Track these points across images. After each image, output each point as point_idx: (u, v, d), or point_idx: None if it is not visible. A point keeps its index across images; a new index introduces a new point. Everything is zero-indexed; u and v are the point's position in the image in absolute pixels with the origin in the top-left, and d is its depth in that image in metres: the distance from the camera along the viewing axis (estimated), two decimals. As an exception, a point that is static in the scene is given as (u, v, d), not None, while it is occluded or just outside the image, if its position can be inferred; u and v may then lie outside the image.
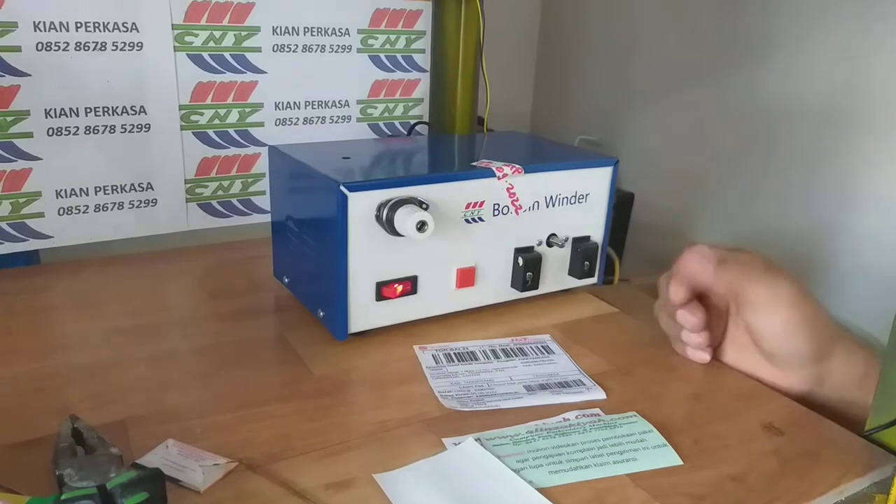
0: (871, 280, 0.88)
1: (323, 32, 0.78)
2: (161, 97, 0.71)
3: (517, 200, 0.58)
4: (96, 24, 0.66)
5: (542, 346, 0.57)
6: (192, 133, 0.74)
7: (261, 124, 0.78)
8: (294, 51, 0.77)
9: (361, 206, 0.51)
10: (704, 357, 0.54)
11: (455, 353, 0.55)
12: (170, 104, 0.72)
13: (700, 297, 0.54)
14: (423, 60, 0.85)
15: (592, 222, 0.63)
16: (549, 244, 0.61)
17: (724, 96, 1.05)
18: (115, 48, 0.67)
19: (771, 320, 0.50)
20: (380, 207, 0.51)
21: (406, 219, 0.50)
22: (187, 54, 0.71)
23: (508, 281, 0.61)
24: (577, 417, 0.47)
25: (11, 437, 0.42)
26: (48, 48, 0.64)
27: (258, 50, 0.75)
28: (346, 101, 0.82)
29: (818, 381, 0.50)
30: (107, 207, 0.71)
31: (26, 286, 0.65)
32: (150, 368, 0.51)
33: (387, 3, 0.81)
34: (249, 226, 0.80)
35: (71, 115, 0.67)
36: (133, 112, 0.70)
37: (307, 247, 0.56)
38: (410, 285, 0.55)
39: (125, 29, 0.67)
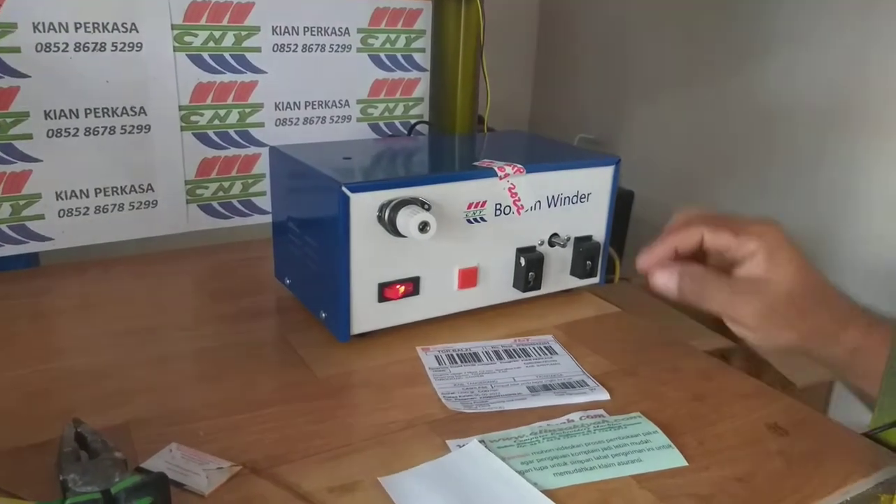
0: (872, 279, 0.88)
1: (323, 32, 0.78)
2: (161, 98, 0.71)
3: (519, 200, 0.58)
4: (95, 25, 0.66)
5: (545, 347, 0.57)
6: (193, 134, 0.74)
7: (261, 125, 0.77)
8: (294, 50, 0.77)
9: (363, 206, 0.51)
10: None
11: (458, 355, 0.55)
12: (170, 105, 0.72)
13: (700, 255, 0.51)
14: (424, 60, 0.85)
15: (594, 222, 0.63)
16: (551, 244, 0.61)
17: (724, 94, 1.05)
18: (114, 49, 0.67)
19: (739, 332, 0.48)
20: (382, 208, 0.51)
21: (408, 219, 0.50)
22: (187, 54, 0.71)
23: (510, 281, 0.60)
24: (581, 418, 0.46)
25: (14, 442, 0.42)
26: (47, 49, 0.64)
27: (258, 50, 0.75)
28: (347, 100, 0.82)
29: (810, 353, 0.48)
30: (107, 209, 0.71)
31: (27, 289, 0.65)
32: (152, 371, 0.51)
33: (387, 2, 0.81)
34: (250, 227, 0.80)
35: (71, 117, 0.67)
36: (133, 113, 0.70)
37: (309, 248, 0.56)
38: (412, 286, 0.55)
39: (124, 29, 0.67)
